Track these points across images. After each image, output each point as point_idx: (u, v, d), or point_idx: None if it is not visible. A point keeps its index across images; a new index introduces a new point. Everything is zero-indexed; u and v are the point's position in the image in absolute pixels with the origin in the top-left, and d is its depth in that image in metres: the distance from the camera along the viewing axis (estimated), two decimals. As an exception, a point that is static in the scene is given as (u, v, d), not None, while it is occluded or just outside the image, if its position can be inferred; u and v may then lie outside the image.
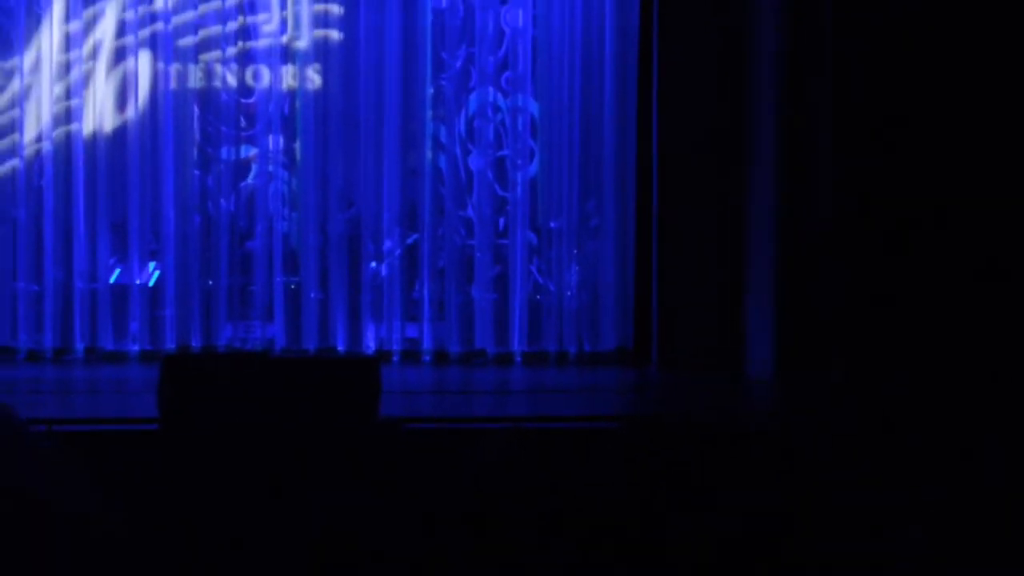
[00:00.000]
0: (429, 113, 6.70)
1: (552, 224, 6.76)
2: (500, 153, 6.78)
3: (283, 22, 6.69)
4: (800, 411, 5.08)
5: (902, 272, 5.44)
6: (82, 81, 6.58)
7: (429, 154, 6.70)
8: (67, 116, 6.60)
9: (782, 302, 5.81)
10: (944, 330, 5.30)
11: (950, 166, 5.40)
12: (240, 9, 6.66)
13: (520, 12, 6.72)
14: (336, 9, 6.73)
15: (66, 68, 6.59)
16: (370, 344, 6.65)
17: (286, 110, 6.77)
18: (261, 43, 6.69)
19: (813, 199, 5.69)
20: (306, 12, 6.70)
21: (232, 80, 6.67)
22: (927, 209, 5.41)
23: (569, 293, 6.73)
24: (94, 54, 6.60)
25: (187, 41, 6.63)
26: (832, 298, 5.59)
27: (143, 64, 6.59)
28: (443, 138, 6.76)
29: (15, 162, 6.57)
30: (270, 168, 6.74)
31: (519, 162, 6.73)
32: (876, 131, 5.43)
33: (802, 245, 5.75)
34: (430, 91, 6.68)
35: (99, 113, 6.60)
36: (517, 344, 6.66)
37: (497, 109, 6.78)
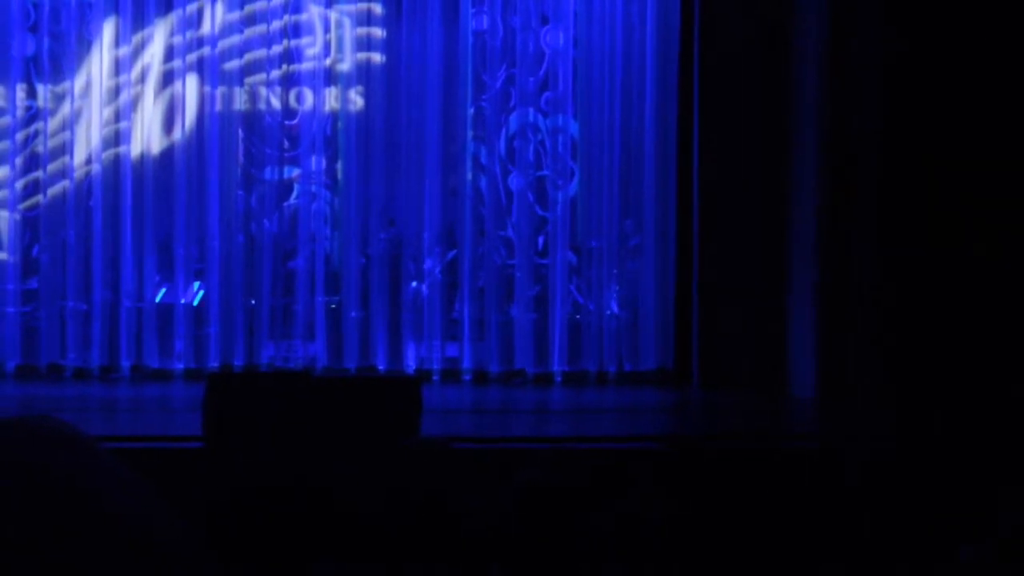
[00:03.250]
0: (469, 134, 6.74)
1: (592, 244, 6.76)
2: (540, 173, 6.81)
3: (326, 45, 6.78)
4: (844, 430, 5.02)
5: (949, 287, 5.36)
6: (130, 104, 6.70)
7: (469, 174, 6.74)
8: (116, 139, 6.72)
9: (825, 320, 5.75)
10: (995, 345, 5.20)
11: (1004, 171, 5.29)
12: (284, 33, 6.76)
13: (560, 33, 6.76)
14: (378, 32, 6.80)
15: (115, 92, 6.72)
16: (410, 363, 6.67)
17: (328, 131, 6.85)
18: (304, 66, 6.79)
19: (858, 218, 5.63)
20: (348, 35, 6.78)
21: (276, 102, 6.76)
22: (977, 223, 5.32)
23: (609, 313, 6.72)
24: (142, 78, 6.73)
25: (232, 65, 6.74)
26: (876, 316, 5.53)
27: (190, 87, 6.71)
28: (483, 159, 6.80)
29: (65, 184, 6.71)
30: (313, 188, 6.81)
31: (559, 182, 6.74)
32: (921, 132, 5.35)
33: (846, 262, 5.69)
34: (470, 112, 6.73)
35: (147, 136, 6.72)
36: (557, 364, 6.65)
37: (537, 129, 6.80)
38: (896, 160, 5.49)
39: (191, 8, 6.70)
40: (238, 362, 6.63)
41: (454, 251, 6.75)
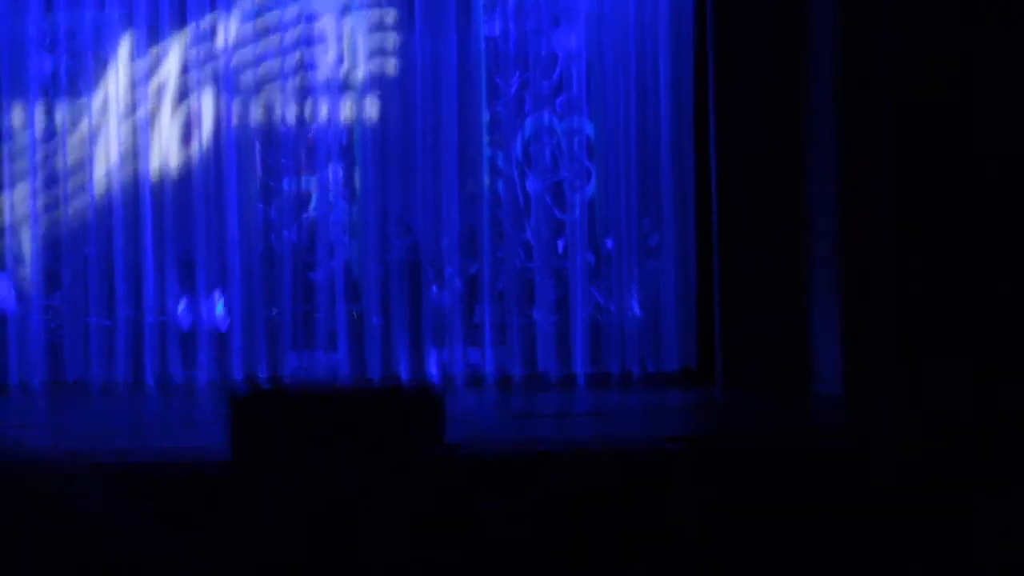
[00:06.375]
0: (486, 138, 6.74)
1: (611, 245, 6.75)
2: (557, 176, 6.80)
3: (340, 54, 6.80)
4: (871, 428, 4.97)
5: (973, 281, 5.31)
6: (147, 120, 6.74)
7: (487, 179, 6.73)
8: (134, 154, 6.76)
9: (849, 317, 5.70)
10: (1018, 337, 5.15)
11: (1016, 167, 5.26)
12: (298, 43, 6.78)
13: (573, 35, 6.75)
14: (392, 40, 6.82)
15: (132, 108, 6.76)
16: (433, 370, 6.67)
17: (345, 141, 6.86)
18: (319, 76, 6.81)
19: (878, 210, 5.59)
20: (362, 44, 6.80)
21: (292, 113, 6.78)
22: (1001, 216, 5.28)
23: (630, 314, 6.70)
24: (159, 93, 6.77)
25: (248, 77, 6.77)
26: (901, 311, 5.48)
27: (206, 101, 6.74)
28: (500, 163, 6.80)
29: (85, 200, 6.75)
30: (331, 198, 6.83)
31: (576, 184, 6.73)
32: (939, 129, 5.32)
33: (868, 258, 5.65)
34: (486, 117, 6.73)
35: (165, 150, 6.76)
36: (580, 366, 6.63)
37: (553, 132, 6.80)
38: (917, 154, 5.44)
39: (205, 21, 6.74)
40: (261, 374, 6.65)
41: (474, 257, 6.75)
